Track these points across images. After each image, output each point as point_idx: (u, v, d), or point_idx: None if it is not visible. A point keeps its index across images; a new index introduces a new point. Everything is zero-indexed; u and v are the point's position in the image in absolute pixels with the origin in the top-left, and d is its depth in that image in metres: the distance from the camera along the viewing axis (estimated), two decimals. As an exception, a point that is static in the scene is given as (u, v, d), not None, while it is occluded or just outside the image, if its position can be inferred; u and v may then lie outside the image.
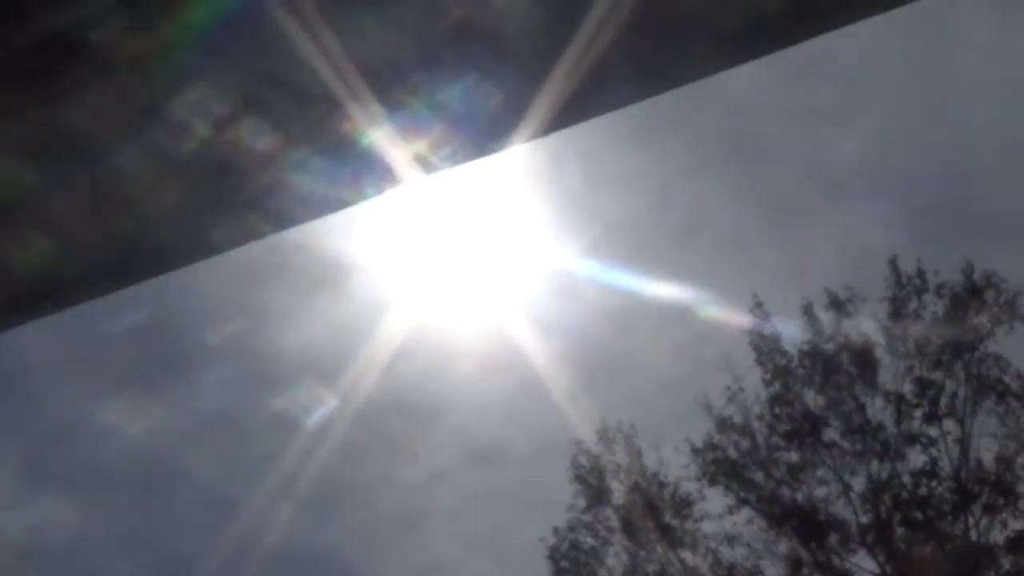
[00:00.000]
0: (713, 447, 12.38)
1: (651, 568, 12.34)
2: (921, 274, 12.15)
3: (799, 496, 12.18)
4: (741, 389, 12.37)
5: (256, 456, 12.12)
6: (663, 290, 11.20)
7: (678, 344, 11.98)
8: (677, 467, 12.36)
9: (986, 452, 11.86)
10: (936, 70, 11.09)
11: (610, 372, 12.36)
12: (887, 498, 11.96)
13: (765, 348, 12.46)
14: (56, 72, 1.08)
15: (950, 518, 11.75)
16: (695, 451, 12.36)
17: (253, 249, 1.27)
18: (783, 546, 12.14)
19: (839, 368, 12.29)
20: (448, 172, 1.20)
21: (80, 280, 1.30)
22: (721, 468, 12.32)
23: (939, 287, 12.11)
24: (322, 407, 10.79)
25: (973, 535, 11.64)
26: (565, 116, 1.10)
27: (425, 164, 1.19)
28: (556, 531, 12.37)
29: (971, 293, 12.02)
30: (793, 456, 12.32)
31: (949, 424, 12.00)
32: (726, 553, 12.17)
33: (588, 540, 12.41)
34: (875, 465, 12.06)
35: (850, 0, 1.05)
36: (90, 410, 11.81)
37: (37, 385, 11.94)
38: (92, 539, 12.52)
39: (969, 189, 12.10)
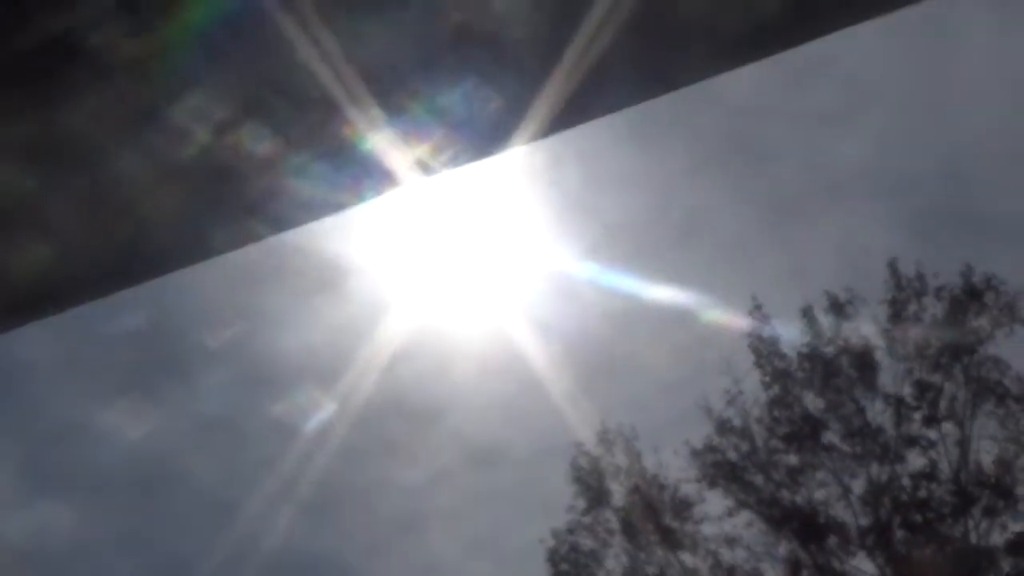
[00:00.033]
0: (713, 449, 12.38)
1: (651, 570, 12.34)
2: (921, 276, 12.15)
3: (799, 499, 12.18)
4: (741, 392, 12.38)
5: (255, 459, 12.12)
6: (663, 292, 11.21)
7: (678, 346, 11.98)
8: (677, 469, 12.37)
9: (986, 455, 11.87)
10: (937, 72, 11.10)
11: (609, 374, 12.36)
12: (887, 501, 11.96)
13: (765, 351, 12.46)
14: (55, 75, 1.08)
15: (950, 521, 11.75)
16: (695, 453, 12.37)
17: (252, 251, 1.27)
18: (783, 548, 12.14)
19: (839, 371, 12.30)
20: (447, 174, 1.20)
21: (79, 283, 1.30)
22: (721, 470, 12.32)
23: (939, 289, 12.11)
24: (321, 410, 10.80)
25: (973, 538, 11.64)
26: (564, 119, 1.10)
27: (425, 167, 1.19)
28: (556, 533, 12.37)
29: (971, 296, 12.03)
30: (793, 459, 12.33)
31: (949, 427, 12.01)
32: (726, 555, 12.18)
33: (588, 542, 12.41)
34: (875, 468, 12.07)
35: (850, 2, 1.05)
36: (89, 413, 11.81)
37: (36, 387, 11.94)
38: (91, 542, 12.52)
39: (969, 191, 12.10)
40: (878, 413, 12.17)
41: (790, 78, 10.23)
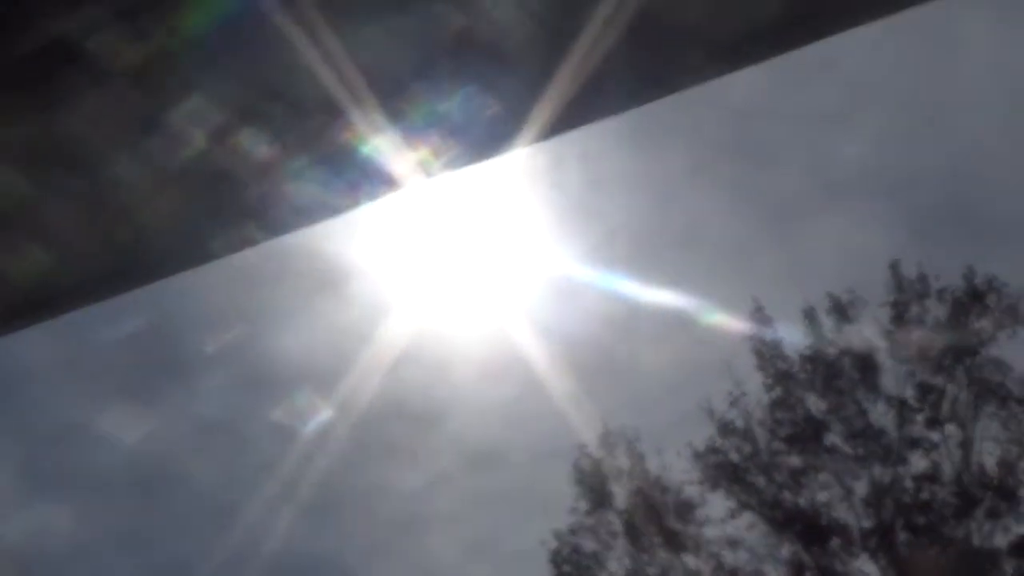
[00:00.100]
0: (715, 451, 12.39)
1: (653, 572, 12.34)
2: (923, 278, 12.15)
3: (801, 501, 12.18)
4: (743, 394, 12.38)
5: (255, 461, 12.12)
6: (664, 294, 11.21)
7: (679, 348, 11.98)
8: (679, 471, 12.38)
9: (988, 456, 11.87)
10: (938, 73, 11.10)
11: (611, 377, 12.36)
12: (889, 503, 11.95)
13: (766, 353, 12.46)
14: (54, 79, 1.08)
15: (952, 523, 11.74)
16: (697, 455, 12.37)
17: (252, 254, 1.26)
18: (785, 550, 12.14)
19: (841, 372, 12.30)
20: (448, 177, 1.20)
21: (78, 287, 1.30)
22: (723, 472, 12.33)
23: (941, 291, 12.11)
24: (321, 412, 10.80)
25: (975, 540, 11.63)
26: (563, 122, 1.09)
27: (425, 170, 1.19)
28: (558, 535, 12.38)
29: (973, 297, 12.02)
30: (795, 460, 12.33)
31: (951, 429, 12.00)
32: (728, 557, 12.18)
33: (590, 544, 12.42)
34: (877, 470, 12.06)
35: (849, 5, 1.05)
36: (89, 415, 11.82)
37: (36, 390, 11.95)
38: (91, 543, 12.52)
39: (971, 193, 12.10)
40: (880, 415, 12.17)
41: (791, 79, 10.23)
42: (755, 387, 12.43)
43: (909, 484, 11.99)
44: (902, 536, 11.87)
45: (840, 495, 12.09)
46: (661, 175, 11.83)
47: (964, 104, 11.22)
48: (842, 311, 12.23)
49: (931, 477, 11.90)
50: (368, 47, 1.06)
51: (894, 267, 12.18)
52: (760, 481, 12.31)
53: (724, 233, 12.39)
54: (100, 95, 1.09)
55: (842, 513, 12.06)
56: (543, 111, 1.08)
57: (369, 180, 1.19)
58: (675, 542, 12.21)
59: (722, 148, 11.78)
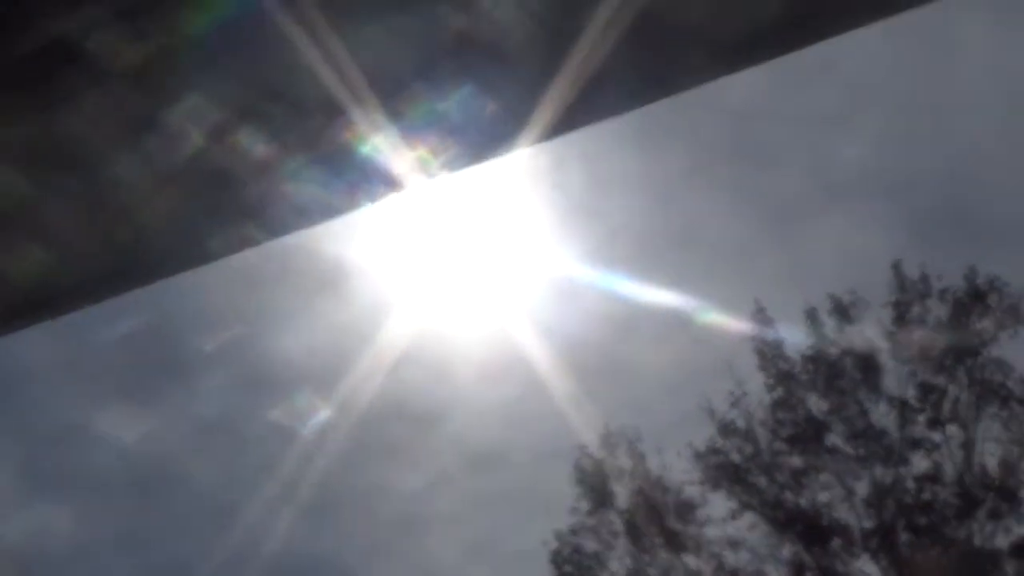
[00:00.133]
0: (716, 452, 12.39)
1: (654, 572, 12.34)
2: (924, 279, 12.15)
3: (802, 501, 12.18)
4: (744, 394, 12.38)
5: (255, 461, 12.13)
6: (665, 295, 11.21)
7: (680, 349, 11.98)
8: (680, 472, 12.37)
9: (990, 457, 11.86)
10: (938, 73, 11.10)
11: (612, 377, 12.36)
12: (890, 503, 11.95)
13: (768, 353, 12.46)
14: (53, 79, 1.08)
15: (954, 523, 11.74)
16: (698, 456, 12.37)
17: (252, 254, 1.26)
18: (786, 551, 12.13)
19: (842, 373, 12.29)
20: (448, 178, 1.20)
21: (77, 287, 1.30)
22: (724, 473, 12.32)
23: (942, 292, 12.11)
24: (321, 413, 10.80)
25: (977, 540, 11.63)
26: (564, 123, 1.09)
27: (425, 170, 1.19)
28: (559, 535, 12.38)
29: (974, 298, 12.02)
30: (796, 461, 12.32)
31: (953, 429, 12.00)
32: (729, 558, 12.17)
33: (591, 544, 12.41)
34: (878, 470, 12.06)
35: (850, 7, 1.05)
36: (88, 415, 11.82)
37: (36, 390, 11.95)
38: (90, 543, 12.52)
39: (972, 193, 12.10)
40: (882, 415, 12.17)
41: (791, 80, 10.23)
42: (756, 387, 12.44)
43: (910, 485, 11.99)
44: (903, 537, 11.87)
45: (841, 495, 12.10)
46: (662, 176, 11.84)
47: (964, 105, 11.22)
48: (843, 311, 12.23)
49: (932, 478, 11.90)
50: (368, 47, 1.05)
51: (895, 267, 12.19)
52: (761, 481, 12.31)
53: (725, 234, 12.40)
54: (100, 95, 1.09)
55: (843, 513, 12.07)
56: (544, 112, 1.08)
57: (369, 180, 1.19)
58: (676, 542, 12.21)
59: (723, 149, 11.78)
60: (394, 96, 1.10)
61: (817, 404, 12.36)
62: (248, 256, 1.26)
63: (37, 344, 9.75)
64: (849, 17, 1.04)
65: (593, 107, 1.09)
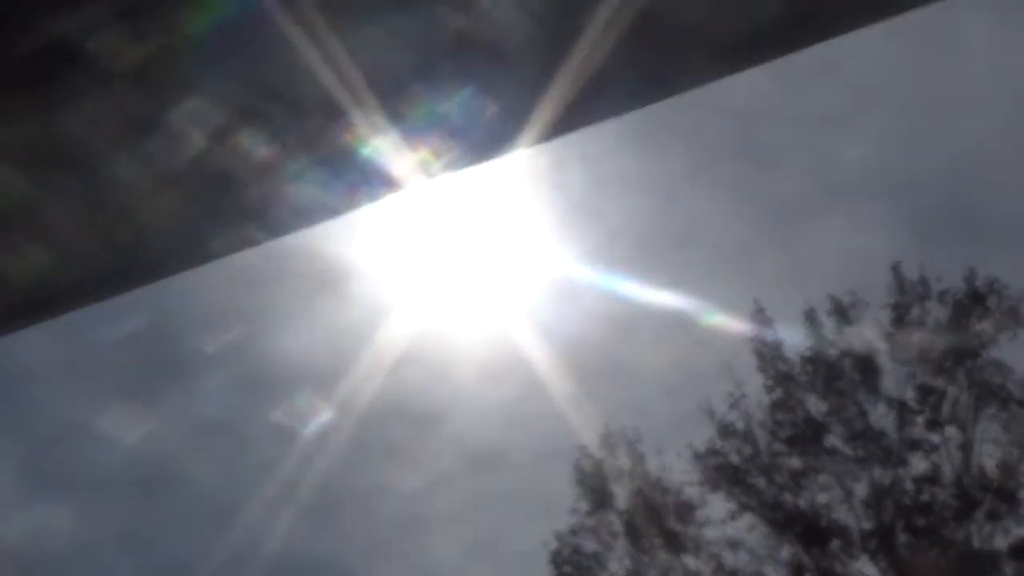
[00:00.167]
0: (715, 453, 12.39)
1: (653, 573, 12.34)
2: (924, 280, 12.15)
3: (801, 502, 12.18)
4: (743, 395, 12.38)
5: (255, 462, 12.12)
6: (665, 295, 11.21)
7: (680, 350, 11.98)
8: (679, 472, 12.38)
9: (988, 458, 11.87)
10: (940, 74, 11.10)
11: (611, 378, 12.36)
12: (889, 504, 11.95)
13: (767, 354, 12.46)
14: (53, 79, 1.08)
15: (952, 525, 11.74)
16: (697, 457, 12.37)
17: (253, 254, 1.26)
18: (785, 552, 12.13)
19: (841, 374, 12.30)
20: (448, 178, 1.20)
21: (77, 287, 1.30)
22: (723, 474, 12.33)
23: (942, 293, 12.11)
24: (321, 413, 10.80)
25: (975, 542, 11.63)
26: (564, 124, 1.09)
27: (425, 171, 1.19)
28: (559, 535, 12.38)
29: (974, 299, 12.02)
30: (795, 462, 12.33)
31: (952, 431, 12.00)
32: (728, 558, 12.17)
33: (591, 545, 12.41)
34: (877, 471, 12.06)
35: (851, 7, 1.05)
36: (89, 415, 11.82)
37: (36, 390, 11.95)
38: (91, 543, 12.52)
39: (973, 195, 12.10)
40: (881, 417, 12.17)
41: (792, 81, 10.23)
42: (756, 388, 12.44)
43: (909, 486, 11.99)
44: (902, 538, 11.87)
45: (840, 497, 12.10)
46: (662, 176, 11.84)
47: (966, 106, 11.22)
48: (843, 313, 12.23)
49: (931, 479, 11.90)
50: (369, 48, 1.05)
51: (895, 269, 12.19)
52: (760, 482, 12.31)
53: (725, 234, 12.39)
54: (100, 95, 1.09)
55: (842, 515, 12.07)
56: (544, 112, 1.08)
57: (369, 181, 1.19)
58: (675, 543, 12.21)
59: (723, 149, 11.78)
60: (394, 96, 1.10)
61: (816, 405, 12.36)
62: (249, 256, 1.26)
63: (38, 344, 9.75)
64: (850, 18, 1.04)
65: (593, 107, 1.09)
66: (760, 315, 12.38)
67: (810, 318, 12.33)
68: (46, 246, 1.22)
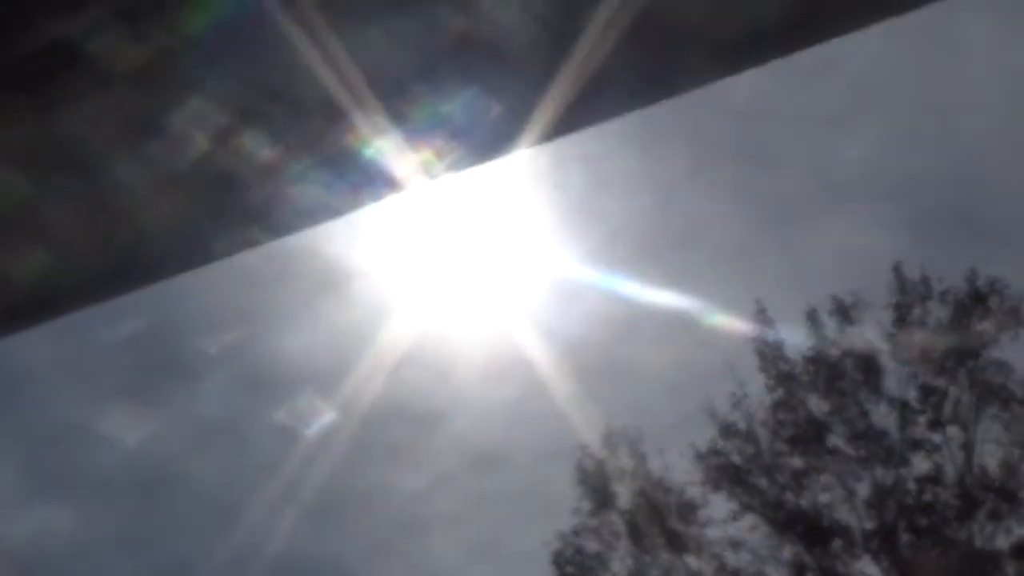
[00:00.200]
0: (717, 453, 12.39)
1: (655, 573, 12.34)
2: (925, 280, 12.15)
3: (803, 502, 12.17)
4: (745, 395, 12.38)
5: (256, 462, 12.12)
6: (666, 296, 11.21)
7: (681, 350, 11.97)
8: (681, 473, 12.37)
9: (990, 458, 11.86)
10: (941, 74, 11.09)
11: (613, 378, 12.36)
12: (891, 504, 11.94)
13: (769, 354, 12.46)
14: (54, 80, 1.08)
15: (954, 524, 11.74)
16: (699, 457, 12.37)
17: (254, 255, 1.26)
18: (787, 552, 12.13)
19: (843, 374, 12.29)
20: (450, 179, 1.20)
21: (78, 288, 1.30)
22: (725, 474, 12.32)
23: (944, 293, 12.11)
24: (323, 414, 10.80)
25: (977, 541, 11.62)
26: (565, 124, 1.09)
27: (427, 172, 1.19)
28: (561, 536, 12.38)
29: (976, 299, 12.02)
30: (797, 462, 12.32)
31: (953, 430, 12.00)
32: (730, 558, 12.17)
33: (593, 545, 12.41)
34: (879, 471, 12.05)
35: (852, 7, 1.05)
36: (90, 416, 11.82)
37: (37, 390, 11.95)
38: (91, 543, 12.53)
39: (974, 195, 12.09)
40: (883, 417, 12.17)
41: (793, 81, 10.23)
42: (757, 388, 12.44)
43: (911, 486, 11.98)
44: (904, 538, 11.86)
45: (842, 497, 12.09)
46: (664, 176, 11.84)
47: (967, 106, 11.22)
48: (845, 313, 12.23)
49: (933, 479, 11.90)
50: (370, 49, 1.05)
51: (897, 269, 12.18)
52: (762, 482, 12.30)
53: (727, 234, 12.39)
54: (101, 96, 1.09)
55: (844, 515, 12.06)
56: (545, 113, 1.08)
57: (371, 182, 1.19)
58: (677, 543, 12.20)
59: (725, 150, 11.78)
60: (396, 97, 1.10)
61: (818, 405, 12.36)
62: (250, 256, 1.26)
63: (39, 344, 9.75)
64: (850, 18, 1.04)
65: (594, 108, 1.09)
66: (762, 315, 12.39)
67: (812, 318, 12.33)
68: (47, 247, 1.22)
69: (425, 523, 12.68)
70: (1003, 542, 11.60)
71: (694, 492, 12.34)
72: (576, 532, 12.42)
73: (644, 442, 12.43)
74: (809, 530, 11.94)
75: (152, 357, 11.60)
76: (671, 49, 1.05)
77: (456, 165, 1.18)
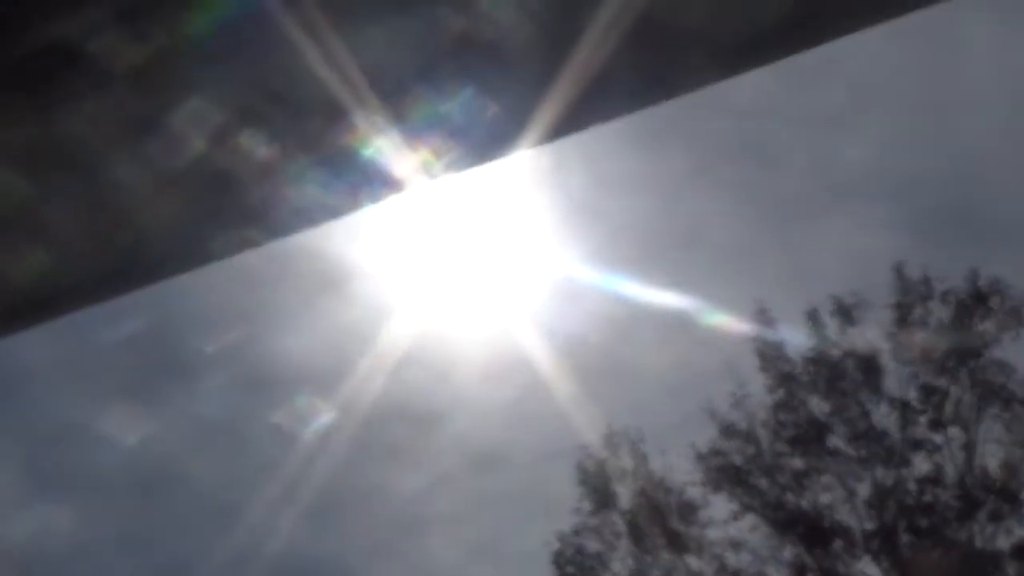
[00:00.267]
0: (718, 453, 12.38)
1: (656, 573, 12.33)
2: (926, 280, 12.14)
3: (804, 502, 12.17)
4: (746, 395, 12.37)
5: (257, 462, 12.13)
6: (667, 296, 11.21)
7: (682, 350, 11.98)
8: (682, 473, 12.37)
9: (991, 459, 11.86)
10: (942, 74, 11.09)
11: (614, 378, 12.36)
12: (892, 505, 11.94)
13: (770, 354, 12.46)
14: (54, 80, 1.08)
15: (955, 525, 11.73)
16: (699, 457, 12.37)
17: (254, 255, 1.26)
18: (788, 552, 12.13)
19: (844, 375, 12.29)
20: (450, 179, 1.20)
21: (77, 288, 1.30)
22: (726, 474, 12.32)
23: (945, 293, 12.11)
24: (323, 414, 10.80)
25: (978, 542, 11.62)
26: (565, 125, 1.09)
27: (427, 172, 1.18)
28: (561, 536, 12.38)
29: (977, 299, 12.02)
30: (798, 462, 12.32)
31: (954, 431, 12.00)
32: (731, 559, 12.17)
33: (593, 545, 12.41)
34: (880, 472, 12.05)
35: (853, 8, 1.04)
36: (90, 416, 11.83)
37: (37, 390, 11.96)
38: (91, 543, 12.53)
39: (975, 194, 12.09)
40: (883, 417, 12.17)
41: (794, 81, 10.23)
42: (758, 389, 12.44)
43: (912, 486, 11.98)
44: (905, 538, 11.86)
45: (843, 497, 12.09)
46: (664, 177, 11.84)
47: (968, 106, 11.22)
48: (845, 313, 12.23)
49: (934, 479, 11.90)
50: (370, 49, 1.05)
51: (898, 269, 12.18)
52: (763, 483, 12.30)
53: (727, 235, 12.39)
54: (100, 96, 1.09)
55: (845, 515, 12.06)
56: (546, 113, 1.08)
57: (371, 182, 1.19)
58: (678, 543, 12.20)
59: (726, 150, 11.78)
60: (395, 97, 1.10)
61: (819, 406, 12.36)
62: (250, 257, 1.26)
63: (39, 344, 9.76)
64: (851, 19, 1.04)
65: (594, 109, 1.09)
66: (762, 315, 12.38)
67: (812, 318, 12.33)
68: (47, 247, 1.22)
69: (425, 523, 12.69)
70: (1004, 543, 11.61)
71: (694, 492, 12.36)
72: (576, 532, 12.42)
73: (645, 442, 12.43)
74: (810, 531, 11.94)
75: (152, 357, 11.61)
76: (671, 50, 1.05)
77: (456, 165, 1.18)
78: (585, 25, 1.01)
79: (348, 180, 1.18)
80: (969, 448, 11.87)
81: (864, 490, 12.04)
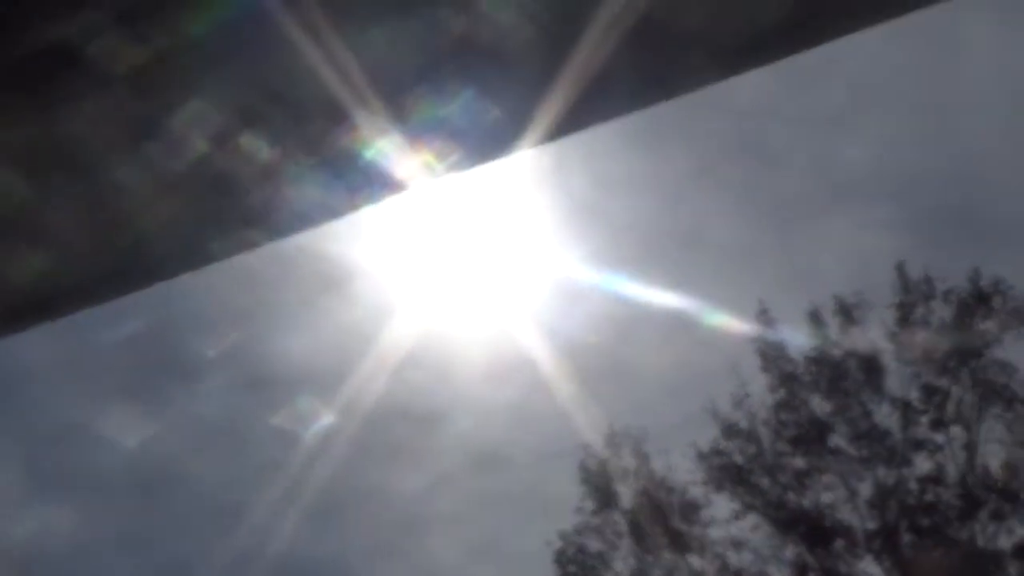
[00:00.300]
0: (719, 453, 12.39)
1: (658, 572, 12.34)
2: (928, 280, 12.14)
3: (805, 502, 12.17)
4: (747, 395, 12.38)
5: (258, 463, 12.14)
6: (668, 296, 11.21)
7: (684, 350, 11.98)
8: (684, 472, 12.38)
9: (993, 458, 11.86)
10: (943, 74, 11.09)
11: (616, 378, 12.36)
12: (893, 504, 11.94)
13: (771, 354, 12.46)
14: (54, 82, 1.08)
15: (956, 524, 11.73)
16: (701, 457, 12.37)
17: (255, 256, 1.26)
18: (789, 552, 12.13)
19: (845, 374, 12.29)
20: (451, 179, 1.20)
21: (78, 289, 1.29)
22: (727, 474, 12.33)
23: (946, 293, 12.10)
24: (324, 414, 10.80)
25: (980, 542, 11.62)
26: (565, 125, 1.09)
27: (428, 172, 1.18)
28: (563, 535, 12.39)
29: (978, 299, 12.02)
30: (799, 462, 12.32)
31: (956, 430, 11.99)
32: (733, 558, 12.17)
33: (595, 544, 12.42)
34: (881, 471, 12.05)
35: (853, 8, 1.04)
36: (91, 416, 11.83)
37: (38, 391, 11.96)
38: (92, 544, 12.53)
39: (976, 194, 12.09)
40: (885, 417, 12.17)
41: (795, 81, 10.23)
42: (760, 389, 12.44)
43: (914, 486, 11.98)
44: (906, 538, 11.86)
45: (844, 497, 12.09)
46: (666, 177, 11.84)
47: (969, 106, 11.22)
48: (847, 313, 12.23)
49: (935, 479, 11.90)
50: (371, 50, 1.05)
51: (899, 269, 12.18)
52: (765, 482, 12.31)
53: (729, 235, 12.40)
54: (101, 97, 1.09)
55: (846, 515, 12.07)
56: (547, 114, 1.08)
57: (372, 183, 1.19)
58: (680, 543, 12.21)
59: (727, 150, 11.79)
60: (396, 98, 1.09)
61: (820, 405, 12.37)
62: (250, 257, 1.26)
63: (39, 344, 9.76)
64: (853, 19, 1.04)
65: (595, 109, 1.09)
66: (764, 315, 12.39)
67: (814, 318, 12.33)
68: (47, 247, 1.22)
69: (427, 523, 12.69)
70: (1005, 542, 11.60)
71: (696, 492, 12.36)
72: (578, 531, 12.43)
73: (646, 442, 12.44)
74: (811, 530, 11.94)
75: (152, 357, 11.61)
76: (672, 50, 1.05)
77: (457, 166, 1.18)
78: (585, 26, 1.01)
79: (349, 181, 1.18)
80: (970, 448, 11.87)
81: (866, 490, 12.05)
